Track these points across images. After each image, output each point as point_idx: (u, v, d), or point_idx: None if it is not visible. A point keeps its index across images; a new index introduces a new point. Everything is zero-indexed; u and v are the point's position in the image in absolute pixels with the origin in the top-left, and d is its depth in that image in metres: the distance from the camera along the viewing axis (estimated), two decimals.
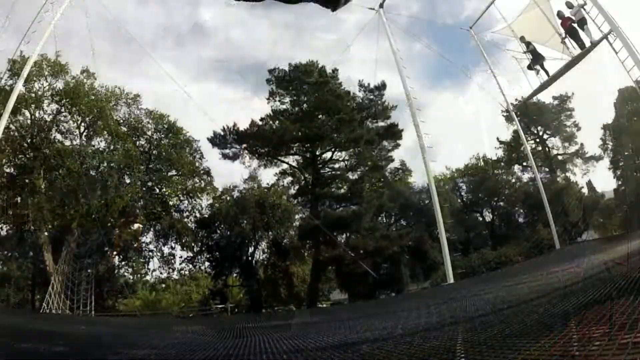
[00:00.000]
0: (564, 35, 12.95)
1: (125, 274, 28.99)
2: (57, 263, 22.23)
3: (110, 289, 29.85)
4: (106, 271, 26.70)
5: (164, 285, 39.17)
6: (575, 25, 12.32)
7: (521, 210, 34.94)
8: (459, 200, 34.11)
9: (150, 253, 27.78)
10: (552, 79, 14.00)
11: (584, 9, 11.78)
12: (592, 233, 31.51)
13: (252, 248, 29.54)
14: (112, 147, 24.98)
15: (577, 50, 12.65)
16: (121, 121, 26.11)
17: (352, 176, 29.76)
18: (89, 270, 22.74)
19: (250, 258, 29.68)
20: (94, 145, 25.39)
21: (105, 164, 24.39)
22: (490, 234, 33.95)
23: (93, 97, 24.30)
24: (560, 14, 12.81)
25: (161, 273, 29.15)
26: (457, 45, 56.48)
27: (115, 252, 26.47)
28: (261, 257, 30.65)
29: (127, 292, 32.58)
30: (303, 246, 29.78)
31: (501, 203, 34.51)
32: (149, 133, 27.21)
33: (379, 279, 28.48)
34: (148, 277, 29.45)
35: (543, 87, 14.45)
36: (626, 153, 31.24)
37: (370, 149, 28.89)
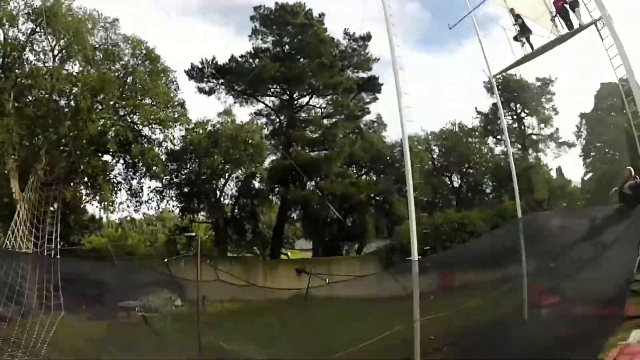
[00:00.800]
0: (554, 13, 13.07)
1: (93, 202, 28.62)
2: (23, 191, 21.92)
3: (76, 222, 29.70)
4: (73, 199, 26.40)
5: (130, 224, 39.21)
6: (567, 5, 12.44)
7: (489, 181, 35.73)
8: (430, 163, 34.64)
9: (119, 185, 27.34)
10: (536, 53, 14.20)
11: None
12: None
13: (222, 184, 29.64)
14: (85, 72, 24.42)
15: (564, 31, 12.82)
16: (97, 45, 25.54)
17: (326, 122, 29.73)
18: (54, 205, 22.45)
19: (218, 194, 29.81)
20: (67, 70, 24.78)
21: (78, 87, 23.89)
22: (456, 199, 34.66)
23: (70, 19, 23.62)
24: None
25: (128, 206, 28.88)
26: (451, 12, 56.16)
27: (83, 182, 26.11)
28: (229, 195, 30.83)
29: (94, 226, 32.51)
30: (271, 190, 29.97)
31: (471, 170, 35.16)
32: (125, 59, 26.61)
33: (344, 229, 28.96)
34: (115, 212, 29.02)
35: (525, 59, 14.66)
36: (598, 144, 31.94)
37: (348, 98, 28.91)
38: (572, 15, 12.32)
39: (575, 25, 12.21)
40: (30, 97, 22.58)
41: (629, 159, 22.28)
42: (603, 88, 30.50)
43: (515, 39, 14.40)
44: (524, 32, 14.23)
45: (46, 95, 22.38)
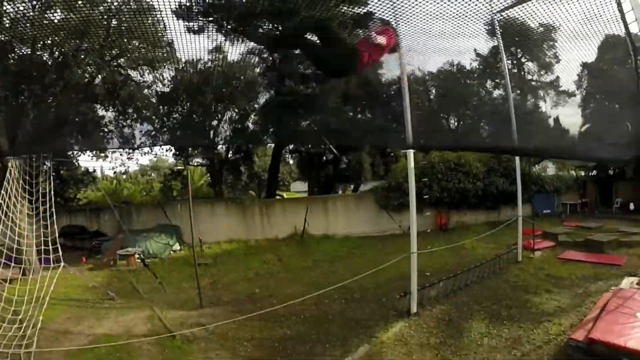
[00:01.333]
0: None
1: (86, 153, 28.15)
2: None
3: (70, 177, 29.42)
4: (63, 154, 25.97)
5: (124, 176, 39.00)
6: None
7: (486, 127, 35.40)
8: (427, 102, 34.10)
9: (110, 134, 26.79)
10: None
11: None
12: (550, 164, 32.64)
13: (215, 124, 29.08)
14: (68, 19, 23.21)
15: None
16: None
17: None
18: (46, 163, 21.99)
19: (212, 136, 29.31)
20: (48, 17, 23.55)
21: (61, 35, 22.80)
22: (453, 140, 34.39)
23: None
24: None
25: (121, 154, 28.44)
26: None
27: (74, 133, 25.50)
28: (224, 136, 30.32)
29: (88, 180, 32.23)
30: (266, 130, 29.47)
31: (468, 112, 34.71)
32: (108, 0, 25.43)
33: (340, 170, 28.80)
34: (109, 162, 28.62)
35: None
36: (598, 96, 31.44)
37: (343, 34, 27.63)
38: None
39: None
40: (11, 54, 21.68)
41: (631, 114, 22.08)
42: (607, 39, 29.57)
43: None
44: None
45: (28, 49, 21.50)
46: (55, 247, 12.39)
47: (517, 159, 16.32)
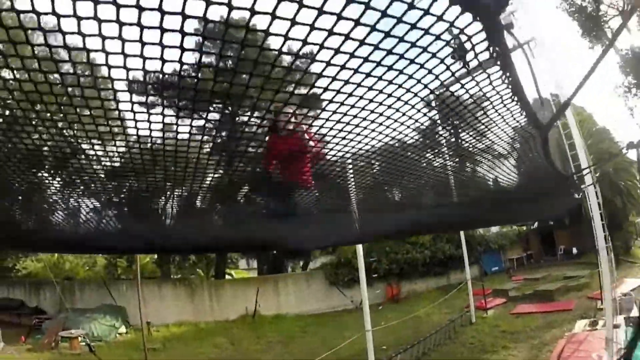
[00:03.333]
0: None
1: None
2: None
3: None
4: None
5: None
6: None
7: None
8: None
9: (55, 205, 25.85)
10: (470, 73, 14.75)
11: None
12: None
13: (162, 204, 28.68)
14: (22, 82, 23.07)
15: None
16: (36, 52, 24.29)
17: None
18: None
19: (161, 213, 28.78)
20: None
21: (14, 97, 22.45)
22: None
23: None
24: None
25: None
26: None
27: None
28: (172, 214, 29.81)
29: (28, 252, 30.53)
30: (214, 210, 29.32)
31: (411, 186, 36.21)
32: (65, 67, 25.48)
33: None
34: None
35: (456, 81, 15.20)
36: (530, 155, 33.64)
37: None
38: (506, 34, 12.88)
39: (510, 46, 12.75)
40: None
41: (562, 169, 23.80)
42: (535, 103, 32.27)
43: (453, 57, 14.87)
44: (461, 50, 14.71)
45: None
46: None
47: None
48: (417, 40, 1.78)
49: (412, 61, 1.95)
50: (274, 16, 1.50)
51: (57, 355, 16.33)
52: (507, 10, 12.51)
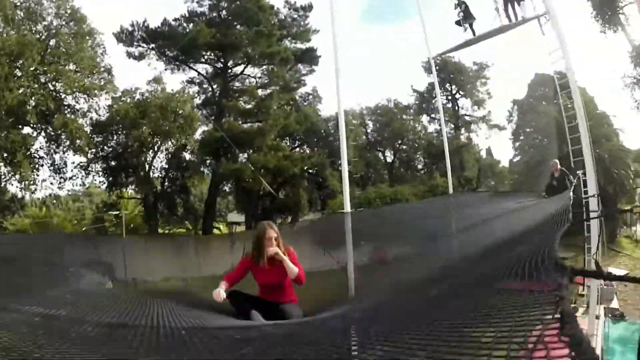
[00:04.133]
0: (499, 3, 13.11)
1: (13, 182, 26.40)
2: None
3: None
4: None
5: (54, 201, 36.91)
6: None
7: (421, 158, 36.79)
8: (364, 137, 35.02)
9: (40, 160, 25.28)
10: (476, 40, 14.28)
11: None
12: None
13: (150, 157, 28.30)
14: (4, 34, 22.14)
15: (506, 21, 12.94)
16: (18, 3, 23.18)
17: (261, 93, 28.80)
18: None
19: (147, 168, 28.47)
20: None
21: None
22: (389, 174, 35.39)
23: None
24: None
25: (52, 183, 26.79)
26: None
27: (1, 158, 23.91)
28: (159, 169, 29.54)
29: (16, 207, 30.19)
30: (203, 162, 29.03)
31: (404, 147, 35.96)
32: (49, 19, 24.25)
33: (277, 202, 28.68)
34: (37, 189, 26.87)
35: (465, 44, 14.72)
36: (527, 130, 33.38)
37: (284, 69, 28.17)
38: (517, 7, 12.49)
39: (519, 18, 12.37)
40: None
41: (556, 145, 23.67)
42: (537, 77, 31.87)
43: (458, 23, 14.42)
44: (467, 17, 14.27)
45: None
46: None
47: (450, 184, 16.71)
48: None
49: None
50: None
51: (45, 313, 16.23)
52: None
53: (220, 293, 3.85)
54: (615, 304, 14.51)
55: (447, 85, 35.77)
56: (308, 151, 31.16)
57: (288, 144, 31.21)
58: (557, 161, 11.23)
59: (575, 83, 10.21)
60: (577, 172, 10.55)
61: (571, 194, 7.33)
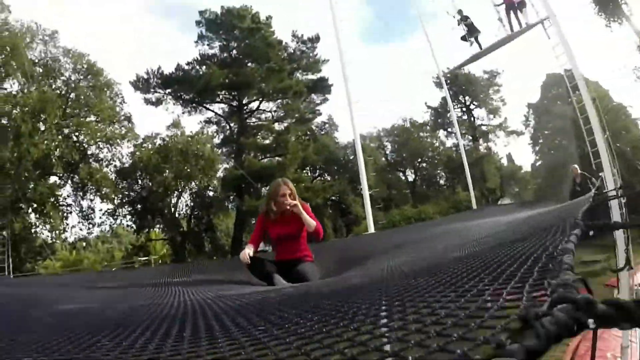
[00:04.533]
0: (502, 4, 13.21)
1: (44, 231, 27.20)
2: None
3: (28, 250, 28.18)
4: (22, 230, 24.94)
5: (84, 244, 37.62)
6: (515, 4, 12.66)
7: (442, 173, 36.61)
8: (383, 159, 35.05)
9: (69, 208, 26.10)
10: (483, 53, 14.35)
11: None
12: (508, 200, 33.55)
13: (175, 199, 28.86)
14: (25, 91, 23.06)
15: (510, 30, 13.05)
16: (36, 60, 24.14)
17: (278, 127, 29.36)
18: (3, 233, 21.09)
19: (173, 210, 29.00)
20: (5, 89, 23.21)
21: (18, 109, 22.46)
22: (411, 192, 35.27)
23: (7, 33, 22.12)
24: None
25: (81, 229, 27.57)
26: (398, 9, 56.57)
27: (30, 209, 24.69)
28: (184, 209, 30.05)
29: (47, 252, 30.96)
30: (227, 198, 29.42)
31: (424, 164, 35.89)
32: (67, 74, 25.21)
33: None
34: (67, 235, 27.67)
35: (474, 58, 14.79)
36: (546, 132, 33.04)
37: (298, 101, 28.57)
38: (519, 14, 12.58)
39: (523, 25, 12.44)
40: None
41: (575, 145, 23.31)
42: (549, 79, 31.64)
43: (464, 39, 14.50)
44: (472, 32, 14.35)
45: None
46: None
47: (473, 199, 16.53)
48: None
49: None
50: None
51: None
52: None
53: (247, 254, 3.84)
54: None
55: (460, 98, 35.75)
56: (329, 179, 31.33)
57: (308, 174, 31.45)
58: (577, 166, 11.15)
59: (584, 82, 10.18)
60: (600, 173, 10.46)
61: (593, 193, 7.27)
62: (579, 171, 10.94)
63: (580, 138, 15.55)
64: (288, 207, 3.96)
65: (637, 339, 9.66)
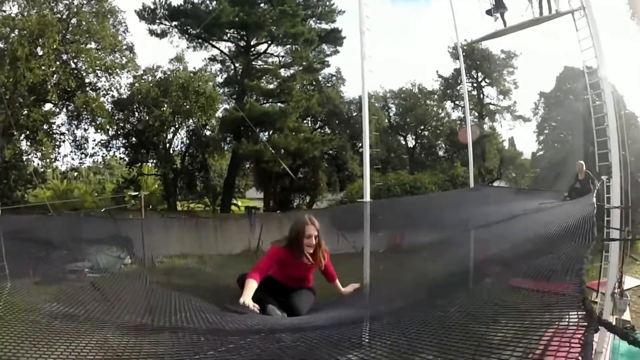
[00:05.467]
0: None
1: (35, 159, 26.79)
2: None
3: (18, 177, 27.88)
4: (13, 157, 24.52)
5: (76, 174, 37.40)
6: None
7: (443, 145, 36.27)
8: (387, 120, 34.58)
9: (62, 136, 25.64)
10: (507, 30, 13.78)
11: None
12: (504, 184, 33.44)
13: (171, 135, 28.48)
14: (25, 14, 22.18)
15: (538, 13, 12.49)
16: None
17: (284, 73, 28.62)
18: None
19: (168, 145, 28.66)
20: (4, 11, 22.26)
21: (16, 32, 21.66)
22: (410, 158, 35.03)
23: None
24: None
25: (73, 159, 27.17)
26: None
27: (23, 136, 24.21)
28: (179, 146, 29.72)
29: (37, 181, 30.67)
30: (224, 139, 29.05)
31: (426, 132, 35.45)
32: None
33: (296, 183, 28.69)
34: (59, 164, 27.29)
35: (496, 34, 14.21)
36: (553, 124, 32.65)
37: (308, 49, 27.75)
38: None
39: (553, 11, 11.92)
40: None
41: (581, 143, 22.98)
42: (566, 71, 31.01)
43: (489, 13, 13.95)
44: (498, 6, 13.79)
45: None
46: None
47: (471, 176, 16.31)
48: None
49: None
50: None
51: (65, 289, 16.37)
52: None
53: (248, 304, 3.34)
54: (627, 315, 14.05)
55: (473, 72, 35.03)
56: (329, 132, 30.93)
57: (309, 125, 31.04)
58: (583, 163, 10.89)
59: (608, 86, 9.81)
60: (602, 177, 10.20)
61: (594, 200, 7.06)
62: (585, 169, 10.65)
63: (587, 137, 15.20)
64: (311, 263, 3.80)
65: (607, 345, 9.69)
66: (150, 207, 29.76)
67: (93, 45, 24.80)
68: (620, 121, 10.36)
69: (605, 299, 10.13)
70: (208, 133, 29.22)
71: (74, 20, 24.19)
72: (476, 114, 34.60)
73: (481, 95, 35.74)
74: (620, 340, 10.65)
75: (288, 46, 28.28)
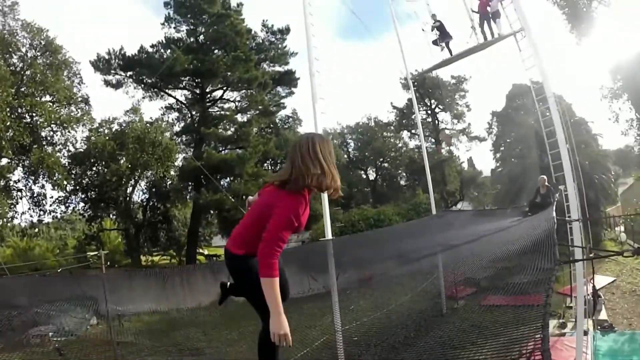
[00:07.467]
0: (477, 13, 13.24)
1: None
2: None
3: None
4: None
5: (36, 230, 36.02)
6: (490, 13, 12.70)
7: (403, 174, 37.00)
8: (346, 156, 35.05)
9: (19, 193, 24.64)
10: (454, 58, 14.40)
11: (501, 4, 12.23)
12: (467, 204, 34.21)
13: (130, 188, 27.90)
14: None
15: (482, 39, 13.12)
16: None
17: (240, 118, 28.73)
18: None
19: (128, 199, 28.03)
20: None
21: None
22: (372, 191, 35.47)
23: None
24: None
25: (31, 216, 26.15)
26: (376, 8, 56.61)
27: None
28: (140, 199, 29.11)
29: None
30: (184, 188, 28.65)
31: (386, 164, 36.14)
32: (23, 50, 23.93)
33: None
34: (17, 221, 26.23)
35: (444, 63, 14.86)
36: (508, 140, 33.83)
37: (263, 93, 27.87)
38: (493, 24, 12.66)
39: (495, 35, 12.53)
40: None
41: (537, 155, 23.90)
42: (514, 89, 32.35)
43: (435, 43, 14.49)
44: (444, 37, 14.37)
45: None
46: None
47: (432, 203, 16.61)
48: None
49: None
50: None
51: (30, 354, 15.54)
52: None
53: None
54: (603, 315, 14.42)
55: (427, 100, 36.15)
56: None
57: (269, 168, 31.08)
58: (545, 177, 11.26)
59: (554, 104, 10.27)
60: (560, 187, 10.59)
61: (554, 214, 7.33)
62: (546, 183, 11.05)
63: (542, 148, 15.86)
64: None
65: (589, 349, 9.86)
66: (115, 264, 28.87)
67: (48, 97, 24.27)
68: (568, 131, 10.82)
69: (578, 303, 10.29)
70: (168, 183, 28.80)
71: (28, 73, 23.71)
72: (432, 140, 35.59)
73: (436, 122, 36.87)
74: (599, 341, 10.88)
75: (243, 91, 28.41)
